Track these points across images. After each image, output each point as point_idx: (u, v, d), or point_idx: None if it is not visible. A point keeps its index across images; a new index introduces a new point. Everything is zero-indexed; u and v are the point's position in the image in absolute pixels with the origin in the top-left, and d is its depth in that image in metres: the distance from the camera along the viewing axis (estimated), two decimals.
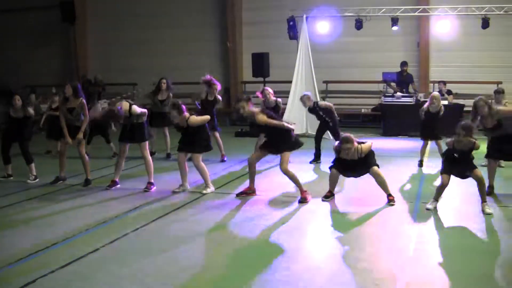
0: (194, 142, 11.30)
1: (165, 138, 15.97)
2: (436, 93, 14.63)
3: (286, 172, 10.68)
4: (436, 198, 10.11)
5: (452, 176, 9.98)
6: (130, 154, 12.43)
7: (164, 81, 15.90)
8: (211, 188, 11.51)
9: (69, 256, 7.50)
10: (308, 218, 9.72)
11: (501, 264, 7.38)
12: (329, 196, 10.75)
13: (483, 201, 9.86)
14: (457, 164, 9.88)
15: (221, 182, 12.48)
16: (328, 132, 15.87)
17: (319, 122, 15.28)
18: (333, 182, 10.79)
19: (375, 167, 10.54)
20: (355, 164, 10.46)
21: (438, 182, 10.91)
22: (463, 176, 10.11)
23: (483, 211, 9.71)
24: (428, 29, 23.89)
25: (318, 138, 15.11)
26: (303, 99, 14.98)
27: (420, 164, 14.47)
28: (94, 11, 28.80)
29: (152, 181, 11.84)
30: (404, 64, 22.03)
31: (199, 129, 11.30)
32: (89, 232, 8.75)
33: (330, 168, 10.81)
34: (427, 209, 9.94)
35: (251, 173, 11.12)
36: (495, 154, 11.07)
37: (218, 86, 15.07)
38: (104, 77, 26.79)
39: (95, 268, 7.12)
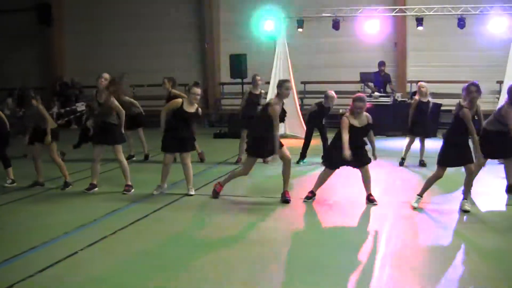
0: (185, 140, 11.27)
1: (140, 140, 15.88)
2: (422, 82, 14.71)
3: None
4: (421, 194, 10.16)
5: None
6: (109, 156, 12.40)
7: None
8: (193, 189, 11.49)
9: (48, 260, 7.43)
10: (297, 217, 9.77)
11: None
12: (310, 197, 10.72)
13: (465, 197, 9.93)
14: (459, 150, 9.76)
15: (201, 183, 12.44)
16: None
17: (310, 123, 15.26)
18: (321, 181, 10.74)
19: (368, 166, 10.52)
20: (358, 135, 10.38)
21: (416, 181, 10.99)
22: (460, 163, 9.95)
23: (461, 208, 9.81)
24: (405, 29, 24.05)
25: (310, 138, 15.11)
26: (329, 97, 14.80)
27: (402, 163, 14.59)
28: (71, 14, 28.65)
29: (130, 183, 11.76)
30: (381, 64, 22.11)
31: (190, 127, 11.39)
32: (68, 236, 8.68)
33: (325, 164, 10.80)
34: (414, 208, 9.99)
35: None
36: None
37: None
38: (81, 79, 26.69)
39: (74, 272, 7.07)
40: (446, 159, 9.80)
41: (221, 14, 26.65)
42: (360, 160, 10.45)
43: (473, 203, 10.21)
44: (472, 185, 10.08)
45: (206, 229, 9.09)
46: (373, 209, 10.25)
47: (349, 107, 10.44)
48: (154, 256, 7.69)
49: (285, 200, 10.59)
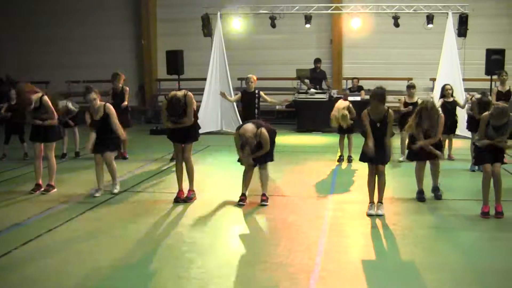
0: (107, 140, 11.00)
1: (74, 137, 15.52)
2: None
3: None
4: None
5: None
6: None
7: None
8: (118, 186, 11.31)
9: None
10: (219, 214, 9.80)
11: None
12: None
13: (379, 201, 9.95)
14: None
15: (136, 181, 12.40)
16: None
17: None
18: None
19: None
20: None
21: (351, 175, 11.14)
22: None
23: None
24: (340, 27, 24.30)
25: None
26: (247, 78, 14.51)
27: (342, 158, 14.88)
28: (3, 9, 28.10)
29: (53, 183, 11.45)
30: (317, 61, 22.29)
31: (109, 126, 11.02)
32: (1, 235, 8.58)
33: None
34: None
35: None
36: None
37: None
38: (15, 75, 26.25)
39: (7, 270, 7.00)
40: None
41: (158, 10, 26.49)
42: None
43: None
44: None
45: (140, 228, 9.04)
46: (307, 204, 10.37)
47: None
48: (88, 256, 7.64)
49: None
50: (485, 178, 9.61)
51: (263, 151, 10.12)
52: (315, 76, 22.26)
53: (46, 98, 11.19)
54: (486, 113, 9.78)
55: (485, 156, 9.59)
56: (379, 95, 9.63)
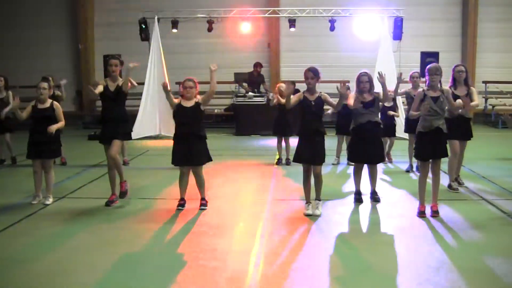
0: (49, 145, 10.56)
1: (7, 144, 15.00)
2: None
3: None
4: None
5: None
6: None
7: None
8: (51, 199, 10.80)
9: None
10: (159, 218, 9.73)
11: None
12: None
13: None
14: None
15: (74, 186, 12.25)
16: None
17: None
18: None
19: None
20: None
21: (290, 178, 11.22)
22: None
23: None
24: (278, 30, 24.51)
25: None
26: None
27: (280, 161, 14.98)
28: None
29: None
30: (256, 65, 22.39)
31: (56, 131, 10.61)
32: None
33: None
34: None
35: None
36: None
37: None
38: None
39: None
40: None
41: (95, 14, 26.30)
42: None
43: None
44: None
45: (77, 235, 8.96)
46: (243, 207, 10.43)
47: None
48: (30, 265, 7.54)
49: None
50: (423, 177, 9.78)
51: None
52: (254, 80, 22.36)
53: None
54: (421, 89, 9.97)
55: (426, 152, 9.67)
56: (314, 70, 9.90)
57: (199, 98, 10.19)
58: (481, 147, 14.86)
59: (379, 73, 10.06)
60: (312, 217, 9.63)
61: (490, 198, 10.97)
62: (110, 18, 25.54)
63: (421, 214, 9.68)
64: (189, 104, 10.09)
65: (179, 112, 10.10)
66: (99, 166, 14.56)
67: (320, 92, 9.87)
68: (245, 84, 22.37)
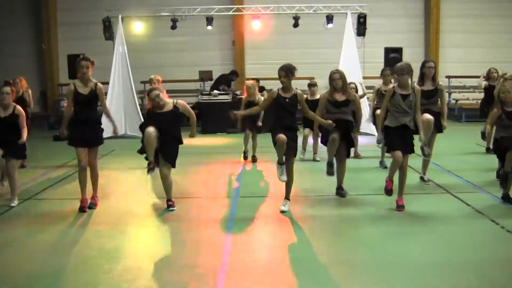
0: (14, 145, 10.37)
1: None
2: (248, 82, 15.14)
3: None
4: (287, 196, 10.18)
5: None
6: None
7: None
8: (16, 201, 10.62)
9: None
10: (126, 218, 9.74)
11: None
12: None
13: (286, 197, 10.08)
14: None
15: (39, 188, 12.12)
16: None
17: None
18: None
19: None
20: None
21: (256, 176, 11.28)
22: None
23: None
24: (242, 28, 24.56)
25: None
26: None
27: (246, 155, 15.08)
28: None
29: None
30: (233, 73, 22.59)
31: (17, 130, 10.45)
32: None
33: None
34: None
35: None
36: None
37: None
38: None
39: None
40: None
41: (58, 13, 26.08)
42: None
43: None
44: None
45: (48, 237, 8.90)
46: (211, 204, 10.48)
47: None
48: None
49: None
50: (395, 164, 9.77)
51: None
52: (225, 78, 22.53)
53: None
54: (391, 86, 10.04)
55: (396, 143, 9.69)
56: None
57: (177, 102, 10.02)
58: (445, 141, 14.95)
59: None
60: (282, 213, 9.69)
61: (454, 191, 11.11)
62: (74, 18, 25.30)
63: (388, 192, 9.93)
64: (164, 109, 9.93)
65: (152, 118, 10.05)
66: (64, 167, 14.46)
67: (297, 89, 9.77)
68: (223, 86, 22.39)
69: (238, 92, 21.50)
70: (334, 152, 10.67)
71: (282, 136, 9.40)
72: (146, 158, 10.37)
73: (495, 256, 7.53)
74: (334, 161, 10.74)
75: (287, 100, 9.66)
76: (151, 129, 9.84)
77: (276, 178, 9.96)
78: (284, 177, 9.73)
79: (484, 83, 15.39)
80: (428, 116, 10.87)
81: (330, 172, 10.81)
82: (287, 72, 9.67)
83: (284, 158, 9.65)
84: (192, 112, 10.29)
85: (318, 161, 14.26)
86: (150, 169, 10.33)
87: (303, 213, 9.80)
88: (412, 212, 9.67)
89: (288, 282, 6.73)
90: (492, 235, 8.50)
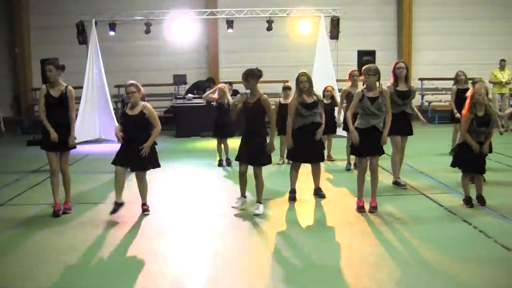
0: None
1: None
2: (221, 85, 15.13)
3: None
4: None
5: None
6: None
7: None
8: None
9: None
10: (101, 223, 9.69)
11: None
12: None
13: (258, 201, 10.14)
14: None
15: (12, 194, 12.03)
16: None
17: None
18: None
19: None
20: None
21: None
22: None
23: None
24: (216, 32, 24.62)
25: None
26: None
27: (221, 163, 15.04)
28: None
29: None
30: (209, 80, 22.60)
31: None
32: None
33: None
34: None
35: None
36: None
37: None
38: None
39: None
40: None
41: (31, 17, 25.96)
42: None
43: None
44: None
45: (24, 243, 8.88)
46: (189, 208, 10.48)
47: None
48: None
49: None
50: (361, 173, 9.95)
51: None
52: (202, 84, 22.54)
53: None
54: (360, 89, 10.10)
55: (361, 148, 9.78)
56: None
57: (146, 108, 9.85)
58: (418, 143, 15.11)
59: None
60: (254, 217, 9.73)
61: (428, 192, 11.23)
62: (47, 22, 25.19)
63: (360, 209, 9.88)
64: (134, 112, 9.81)
65: (124, 120, 9.95)
66: (38, 172, 14.39)
67: (262, 95, 9.84)
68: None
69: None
70: (296, 180, 10.94)
71: (241, 168, 9.97)
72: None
73: (468, 255, 7.63)
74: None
75: (250, 105, 9.73)
76: (120, 169, 9.79)
77: (252, 181, 10.08)
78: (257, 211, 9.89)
79: (453, 87, 15.43)
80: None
81: (292, 198, 10.92)
82: (246, 76, 9.83)
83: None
84: (157, 122, 9.90)
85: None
86: (113, 211, 9.84)
87: (275, 216, 9.87)
88: (385, 213, 9.75)
89: (261, 286, 6.78)
90: (465, 235, 8.60)
